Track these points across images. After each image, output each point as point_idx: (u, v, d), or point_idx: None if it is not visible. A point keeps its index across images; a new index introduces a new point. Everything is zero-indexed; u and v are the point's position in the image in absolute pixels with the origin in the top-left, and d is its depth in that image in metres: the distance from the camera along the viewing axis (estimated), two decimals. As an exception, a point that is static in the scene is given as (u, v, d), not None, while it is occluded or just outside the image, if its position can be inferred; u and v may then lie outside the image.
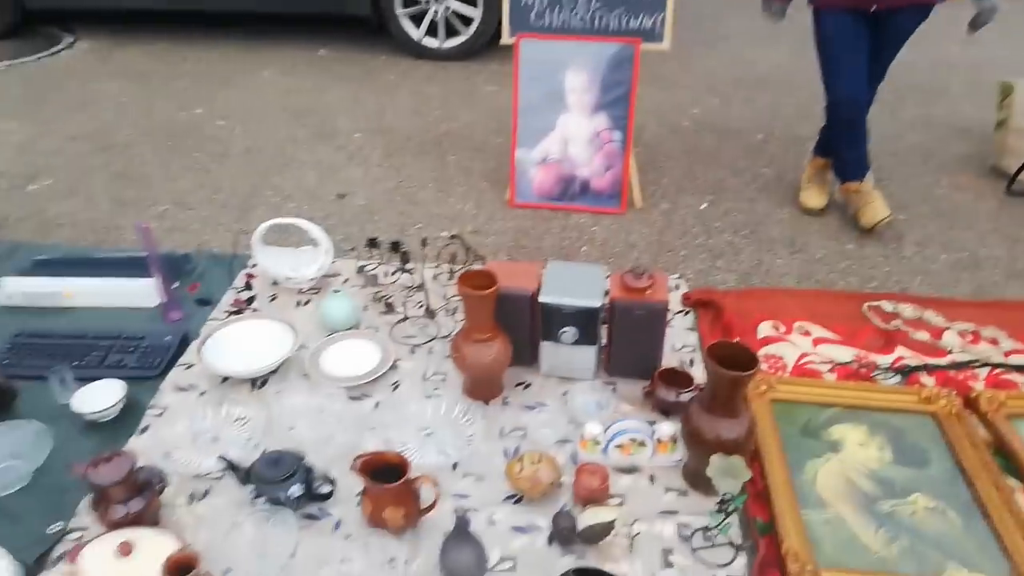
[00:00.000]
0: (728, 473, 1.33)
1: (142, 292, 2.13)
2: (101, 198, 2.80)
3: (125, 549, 1.38)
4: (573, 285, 1.77)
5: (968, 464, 1.59)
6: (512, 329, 1.75)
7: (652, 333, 1.77)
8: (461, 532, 1.34)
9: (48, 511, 1.55)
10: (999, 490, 1.51)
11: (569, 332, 1.76)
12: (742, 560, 1.43)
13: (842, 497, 1.54)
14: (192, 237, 2.54)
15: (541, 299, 1.75)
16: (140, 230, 1.92)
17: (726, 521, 1.41)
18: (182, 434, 1.71)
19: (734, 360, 1.39)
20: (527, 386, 1.85)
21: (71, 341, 1.96)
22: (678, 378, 1.75)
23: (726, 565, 1.42)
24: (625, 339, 1.78)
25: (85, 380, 1.79)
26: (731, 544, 1.45)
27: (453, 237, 2.02)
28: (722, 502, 1.38)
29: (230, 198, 2.80)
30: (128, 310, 2.13)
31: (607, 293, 1.77)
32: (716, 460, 1.35)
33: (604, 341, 1.84)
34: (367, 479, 1.43)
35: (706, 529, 1.47)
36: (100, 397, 1.76)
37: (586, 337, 1.77)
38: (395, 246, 2.10)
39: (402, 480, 1.42)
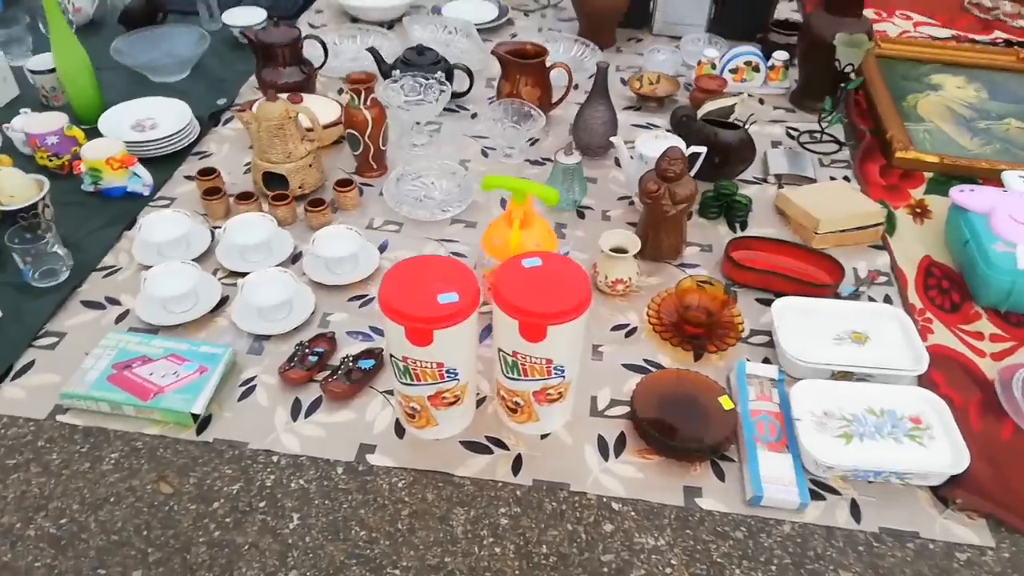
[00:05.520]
0: (852, 44, 1.44)
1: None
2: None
3: (296, 98, 1.54)
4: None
5: (1062, 101, 1.69)
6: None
7: (769, -20, 1.84)
8: (599, 86, 1.47)
9: (212, 92, 1.72)
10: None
11: (688, -22, 1.84)
12: (846, 152, 1.57)
13: (941, 117, 1.66)
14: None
15: (666, -62, 1.82)
16: None
17: (836, 113, 1.54)
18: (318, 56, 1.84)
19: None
20: (639, 40, 1.95)
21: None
22: (787, 25, 1.84)
23: (832, 153, 1.56)
24: (742, -12, 1.86)
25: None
26: (836, 140, 1.59)
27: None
28: (838, 85, 1.51)
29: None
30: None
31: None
32: (841, 35, 1.46)
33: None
34: (509, 57, 1.57)
35: (812, 132, 1.61)
36: (247, 18, 1.90)
37: (703, -15, 1.85)
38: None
39: (540, 59, 1.56)
